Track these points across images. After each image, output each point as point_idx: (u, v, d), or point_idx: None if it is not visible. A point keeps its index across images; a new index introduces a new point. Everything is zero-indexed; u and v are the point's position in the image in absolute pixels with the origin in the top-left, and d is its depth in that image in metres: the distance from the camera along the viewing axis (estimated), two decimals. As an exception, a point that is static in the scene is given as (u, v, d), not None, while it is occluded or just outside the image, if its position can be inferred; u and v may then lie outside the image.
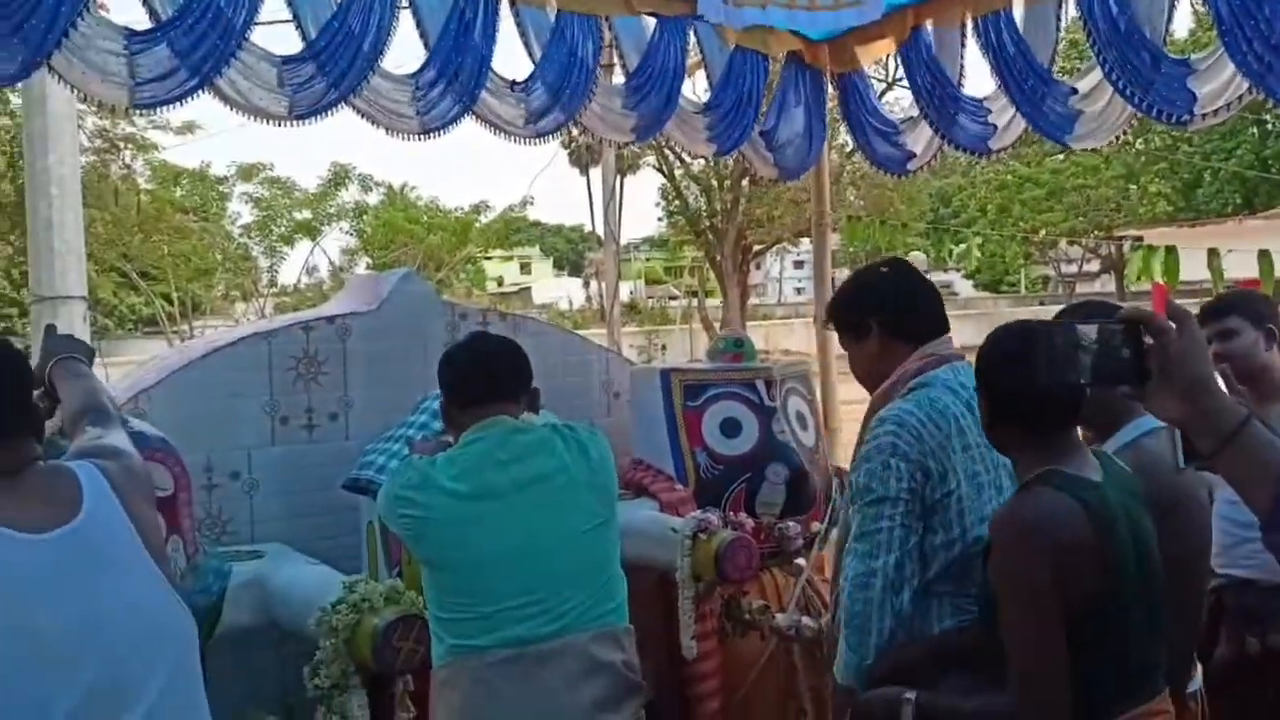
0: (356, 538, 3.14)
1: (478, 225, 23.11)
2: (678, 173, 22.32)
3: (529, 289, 47.38)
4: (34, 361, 2.00)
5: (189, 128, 21.18)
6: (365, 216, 22.62)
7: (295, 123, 3.29)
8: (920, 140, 4.49)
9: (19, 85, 3.36)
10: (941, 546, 2.09)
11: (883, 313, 2.24)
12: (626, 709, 2.20)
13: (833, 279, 4.77)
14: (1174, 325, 1.22)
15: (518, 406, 2.31)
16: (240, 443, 3.11)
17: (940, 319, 2.27)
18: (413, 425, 3.13)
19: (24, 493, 1.58)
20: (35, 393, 1.84)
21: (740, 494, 3.39)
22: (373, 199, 22.60)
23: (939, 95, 4.19)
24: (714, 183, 22.11)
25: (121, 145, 20.61)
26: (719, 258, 22.70)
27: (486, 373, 2.31)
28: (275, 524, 3.14)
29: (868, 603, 2.06)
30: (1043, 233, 23.54)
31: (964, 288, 45.89)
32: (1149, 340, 1.23)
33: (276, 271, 22.38)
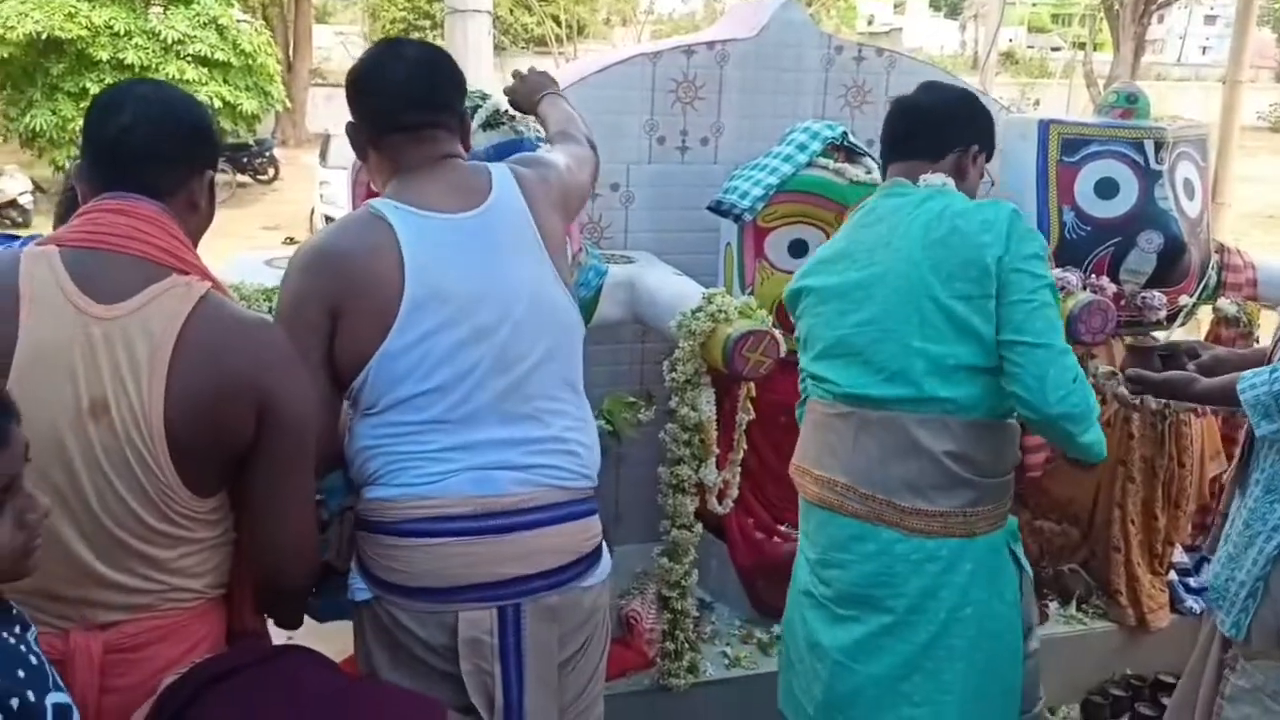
0: (714, 256, 3.36)
1: (856, -43, 21.83)
2: (1087, -98, 19.65)
3: (899, 30, 44.59)
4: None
5: None
6: (744, -58, 21.97)
7: None
8: None
9: None
10: None
11: None
12: (940, 499, 2.10)
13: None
14: None
15: (929, 164, 2.23)
16: (621, 157, 3.36)
17: None
18: (778, 155, 3.21)
19: (443, 182, 1.86)
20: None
21: (1106, 258, 3.23)
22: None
23: None
24: (1129, -85, 19.33)
25: None
26: (1117, 6, 20.17)
27: (906, 126, 2.28)
28: (645, 234, 3.42)
29: None
30: None
31: None
32: None
33: (655, -2, 22.56)
